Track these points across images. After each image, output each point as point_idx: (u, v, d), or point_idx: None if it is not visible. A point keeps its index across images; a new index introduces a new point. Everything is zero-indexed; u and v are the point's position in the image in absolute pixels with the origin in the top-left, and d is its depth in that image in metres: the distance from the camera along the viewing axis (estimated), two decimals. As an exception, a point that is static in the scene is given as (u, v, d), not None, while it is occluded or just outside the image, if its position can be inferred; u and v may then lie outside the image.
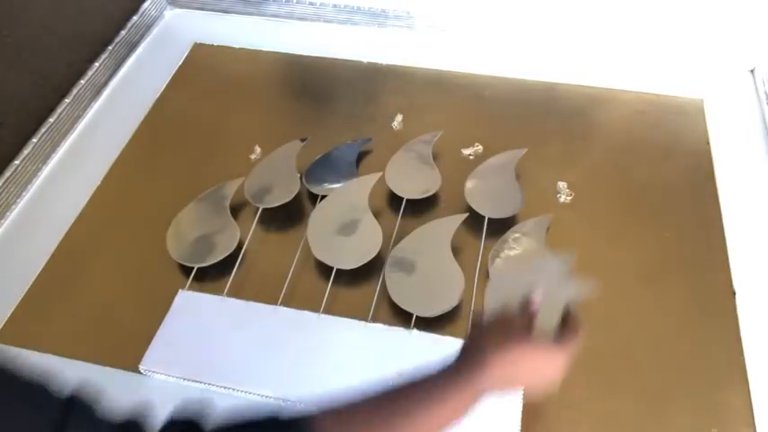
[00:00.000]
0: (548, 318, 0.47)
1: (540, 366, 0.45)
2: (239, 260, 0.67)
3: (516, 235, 0.66)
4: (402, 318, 0.61)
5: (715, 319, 0.62)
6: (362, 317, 0.62)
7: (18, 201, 0.77)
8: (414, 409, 0.42)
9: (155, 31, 1.00)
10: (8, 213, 0.76)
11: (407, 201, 0.70)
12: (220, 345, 0.61)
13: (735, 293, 0.63)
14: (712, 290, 0.64)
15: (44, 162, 0.80)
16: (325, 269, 0.65)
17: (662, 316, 0.62)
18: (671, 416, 0.56)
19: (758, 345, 0.60)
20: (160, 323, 0.62)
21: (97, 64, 0.89)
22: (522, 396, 0.56)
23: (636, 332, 0.61)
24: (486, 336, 0.45)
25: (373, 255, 0.64)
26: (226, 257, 0.66)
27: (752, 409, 0.56)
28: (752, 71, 0.86)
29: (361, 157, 0.78)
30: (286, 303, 0.63)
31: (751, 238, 0.68)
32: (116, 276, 0.69)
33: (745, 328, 0.61)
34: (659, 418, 0.56)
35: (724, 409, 0.56)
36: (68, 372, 0.60)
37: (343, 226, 0.66)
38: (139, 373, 0.60)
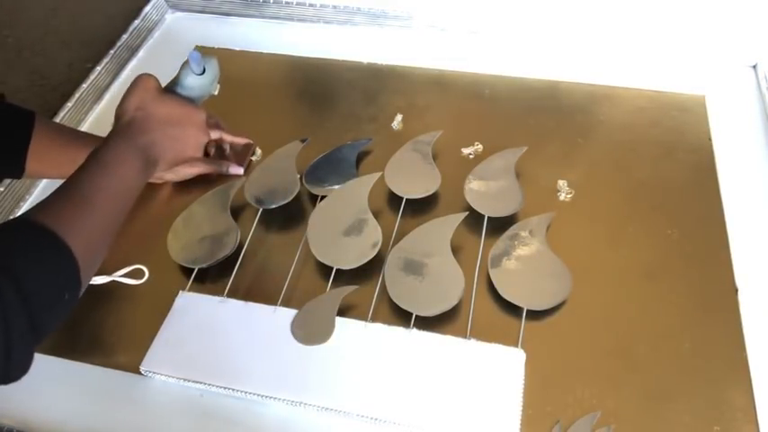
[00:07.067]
0: None
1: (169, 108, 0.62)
2: (239, 261, 0.67)
3: (517, 233, 0.66)
4: (402, 317, 0.61)
5: (717, 316, 0.61)
6: (362, 317, 0.62)
7: (21, 203, 0.78)
8: (93, 173, 0.53)
9: (156, 34, 1.01)
10: (11, 217, 0.77)
11: (407, 200, 0.70)
12: (221, 345, 0.61)
13: (737, 290, 0.63)
14: (714, 287, 0.63)
15: (46, 165, 0.81)
16: (325, 269, 0.65)
17: (663, 313, 0.62)
18: (672, 414, 0.55)
19: (760, 342, 0.59)
20: (161, 324, 0.62)
21: (99, 68, 0.90)
22: (521, 396, 0.56)
23: (637, 330, 0.61)
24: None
25: (373, 255, 0.64)
26: (226, 258, 0.67)
27: (755, 407, 0.55)
28: (754, 67, 0.85)
29: (361, 157, 0.78)
30: (286, 304, 0.63)
31: (753, 235, 0.67)
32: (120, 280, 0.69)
33: (747, 325, 0.60)
34: (660, 416, 0.55)
35: (726, 407, 0.55)
36: (69, 373, 0.61)
37: (343, 226, 0.66)
38: (140, 374, 0.60)
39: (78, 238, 0.46)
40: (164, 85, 0.67)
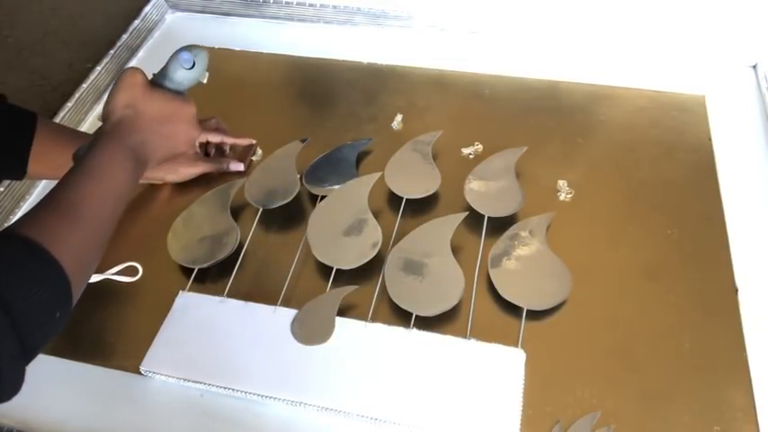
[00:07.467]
0: None
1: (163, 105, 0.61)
2: (239, 261, 0.67)
3: (516, 233, 0.66)
4: (402, 317, 0.61)
5: (717, 316, 0.61)
6: (362, 317, 0.62)
7: (21, 204, 0.78)
8: (81, 180, 0.50)
9: (156, 34, 1.01)
10: (11, 217, 0.77)
11: (407, 200, 0.70)
12: (221, 345, 0.61)
13: (737, 290, 0.63)
14: (714, 287, 0.63)
15: (46, 165, 0.81)
16: (325, 269, 0.65)
17: (663, 313, 0.62)
18: (672, 414, 0.55)
19: (760, 342, 0.59)
20: (161, 324, 0.62)
21: (99, 68, 0.90)
22: (521, 396, 0.56)
23: (637, 330, 0.61)
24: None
25: (373, 255, 0.64)
26: (226, 258, 0.67)
27: (755, 407, 0.55)
28: (754, 67, 0.85)
29: (361, 157, 0.78)
30: (286, 304, 0.63)
31: (753, 235, 0.67)
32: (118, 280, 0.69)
33: (747, 325, 0.60)
34: (660, 416, 0.55)
35: (726, 407, 0.55)
36: (69, 373, 0.61)
37: (343, 226, 0.66)
38: (140, 374, 0.60)
39: (67, 251, 0.44)
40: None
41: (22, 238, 0.42)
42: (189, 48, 0.65)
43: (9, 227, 0.44)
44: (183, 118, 0.64)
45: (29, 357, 0.41)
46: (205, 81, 0.67)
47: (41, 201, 0.48)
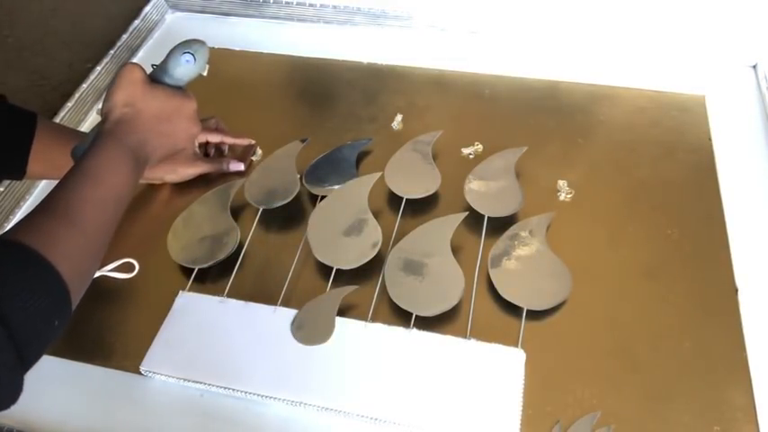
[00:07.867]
0: None
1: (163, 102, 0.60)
2: (239, 261, 0.67)
3: (516, 233, 0.66)
4: (402, 317, 0.61)
5: (717, 316, 0.61)
6: (362, 317, 0.62)
7: (22, 204, 0.78)
8: (79, 183, 0.49)
9: (156, 34, 1.01)
10: (12, 217, 0.77)
11: (407, 200, 0.70)
12: (221, 345, 0.61)
13: (737, 290, 0.63)
14: (714, 287, 0.63)
15: (46, 165, 0.81)
16: (325, 269, 0.65)
17: (663, 313, 0.62)
18: (672, 414, 0.55)
19: (760, 342, 0.59)
20: (161, 324, 0.62)
21: (99, 68, 0.90)
22: (521, 396, 0.56)
23: (637, 330, 0.61)
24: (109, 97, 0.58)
25: (373, 255, 0.64)
26: (226, 258, 0.67)
27: (755, 407, 0.55)
28: (754, 67, 0.85)
29: (361, 157, 0.78)
30: (286, 304, 0.63)
31: (753, 235, 0.67)
32: (116, 278, 0.69)
33: (747, 325, 0.60)
34: (660, 416, 0.55)
35: (726, 407, 0.55)
36: (69, 373, 0.61)
37: (343, 226, 0.66)
38: (140, 374, 0.60)
39: (66, 257, 0.42)
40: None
41: (17, 245, 0.41)
42: (188, 43, 0.63)
43: (5, 233, 0.43)
44: (184, 114, 0.62)
45: (27, 367, 0.40)
46: (205, 74, 0.64)
47: (38, 205, 0.46)
